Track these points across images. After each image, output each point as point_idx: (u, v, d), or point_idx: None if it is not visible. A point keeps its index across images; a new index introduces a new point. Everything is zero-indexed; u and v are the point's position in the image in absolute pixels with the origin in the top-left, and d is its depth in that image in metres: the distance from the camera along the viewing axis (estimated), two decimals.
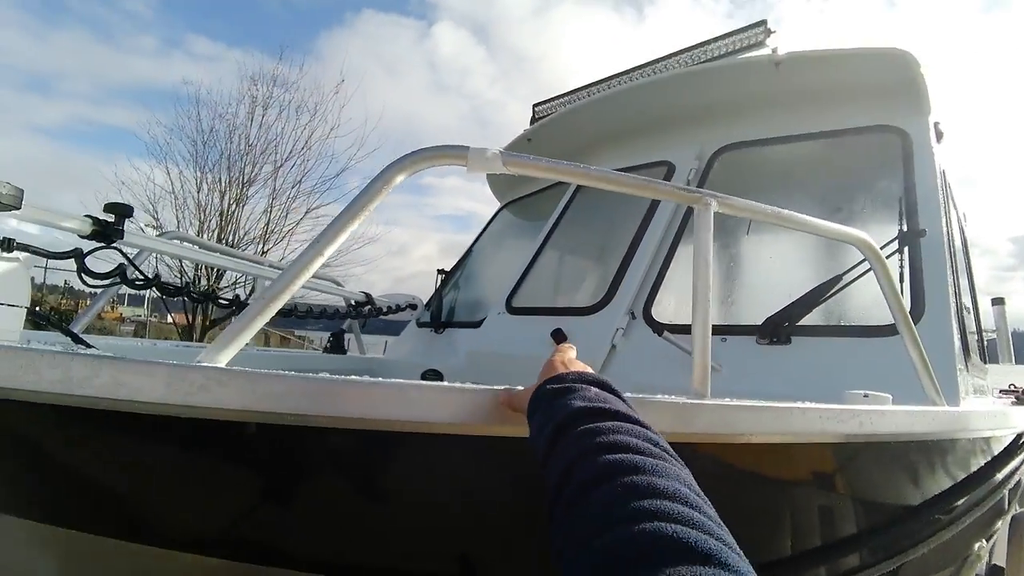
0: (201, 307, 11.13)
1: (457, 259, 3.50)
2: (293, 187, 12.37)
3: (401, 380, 0.85)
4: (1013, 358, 3.52)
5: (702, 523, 0.44)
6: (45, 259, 1.29)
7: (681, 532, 0.42)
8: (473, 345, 2.54)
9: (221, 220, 11.79)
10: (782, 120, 2.43)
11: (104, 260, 1.44)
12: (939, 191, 2.07)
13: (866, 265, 1.81)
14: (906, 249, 1.93)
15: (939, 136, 2.27)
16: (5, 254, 0.97)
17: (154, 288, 1.44)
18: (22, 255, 1.03)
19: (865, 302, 1.90)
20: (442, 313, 3.03)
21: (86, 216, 1.39)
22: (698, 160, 2.56)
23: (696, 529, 0.43)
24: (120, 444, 0.85)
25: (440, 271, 3.36)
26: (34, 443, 0.84)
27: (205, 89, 12.48)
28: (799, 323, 1.90)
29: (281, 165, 12.24)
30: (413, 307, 3.15)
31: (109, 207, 1.40)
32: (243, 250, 11.66)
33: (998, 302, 3.45)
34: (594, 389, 0.71)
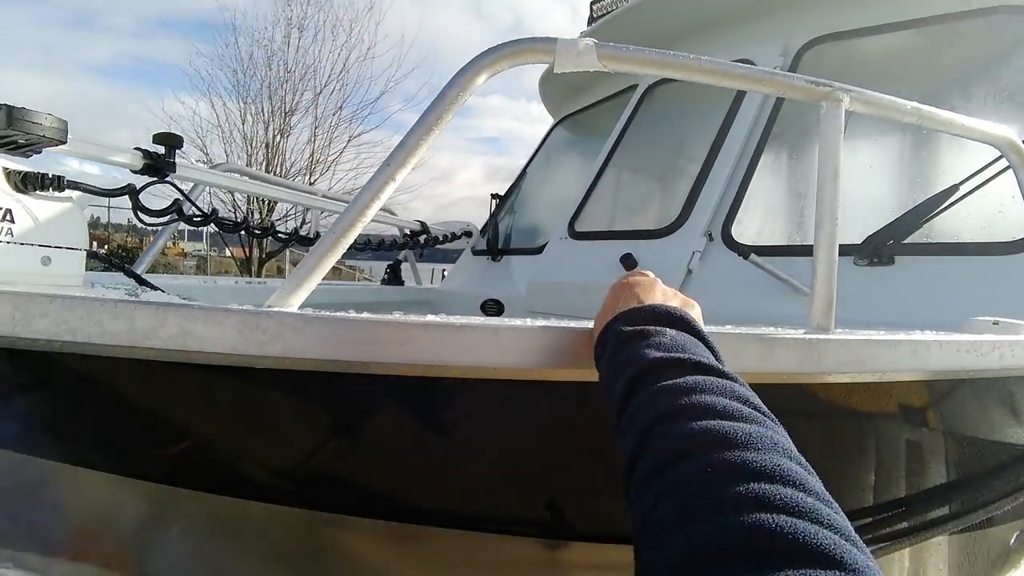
0: (258, 241, 11.41)
1: (505, 182, 3.34)
2: (334, 114, 12.25)
3: (486, 319, 0.75)
4: None
5: (811, 509, 0.35)
6: (104, 198, 1.23)
7: (785, 524, 0.34)
8: (534, 273, 2.43)
9: (267, 152, 11.86)
10: (880, 6, 2.09)
11: (158, 196, 1.37)
12: None
13: (989, 173, 1.58)
14: None
15: None
16: (57, 194, 0.89)
17: (213, 224, 1.38)
18: (75, 194, 0.96)
19: (983, 217, 1.67)
20: (499, 240, 2.92)
21: (136, 148, 1.31)
22: (783, 57, 2.25)
23: (804, 518, 0.34)
24: (191, 394, 0.79)
25: (494, 195, 3.21)
26: (105, 395, 0.80)
27: (241, 14, 12.14)
28: (905, 241, 1.69)
29: (321, 91, 12.07)
30: (468, 234, 3.04)
31: (158, 138, 1.32)
32: (292, 181, 11.74)
33: None
34: (671, 332, 0.59)
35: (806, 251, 1.86)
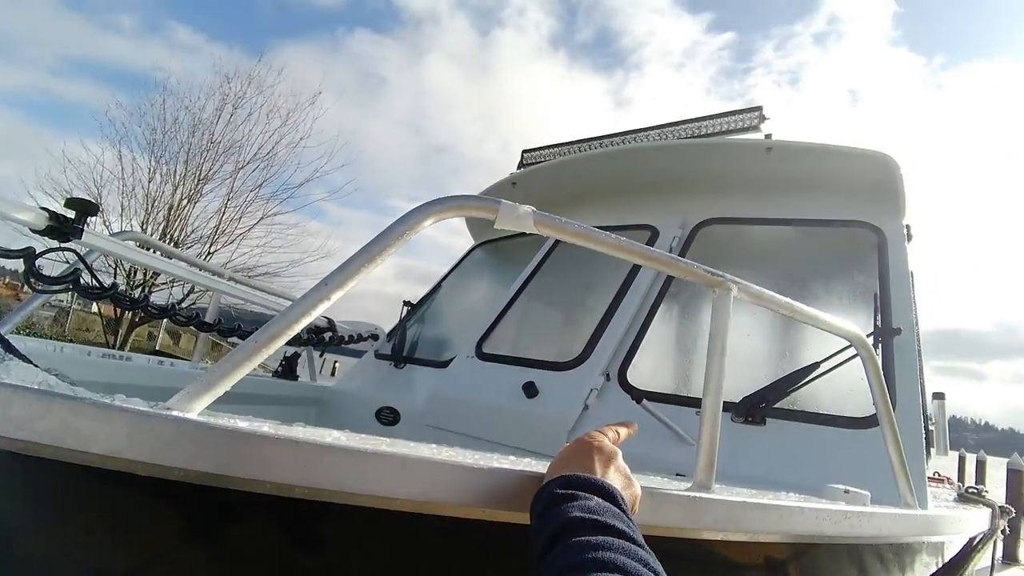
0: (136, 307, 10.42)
1: (414, 284, 3.40)
2: (252, 190, 11.97)
3: (409, 453, 0.75)
4: (948, 450, 3.66)
5: None
6: None
7: None
8: (438, 387, 2.42)
9: (169, 214, 11.21)
10: (766, 203, 2.50)
11: (52, 258, 1.27)
12: (910, 290, 2.15)
13: (843, 356, 1.85)
14: (879, 344, 1.97)
15: (909, 237, 2.38)
16: None
17: (110, 298, 1.28)
18: None
19: (838, 392, 1.93)
20: (404, 347, 2.90)
21: (42, 208, 1.21)
22: (681, 229, 2.58)
23: None
24: (65, 498, 0.71)
25: (406, 303, 3.23)
26: None
27: (176, 78, 11.97)
28: (775, 405, 1.89)
29: (243, 166, 11.86)
30: (375, 337, 3.00)
31: (71, 203, 1.22)
32: (187, 247, 11.10)
33: (938, 396, 3.61)
34: (596, 499, 0.69)
35: (692, 403, 2.03)
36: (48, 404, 0.64)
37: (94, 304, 13.18)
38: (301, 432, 0.72)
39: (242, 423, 0.72)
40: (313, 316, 0.79)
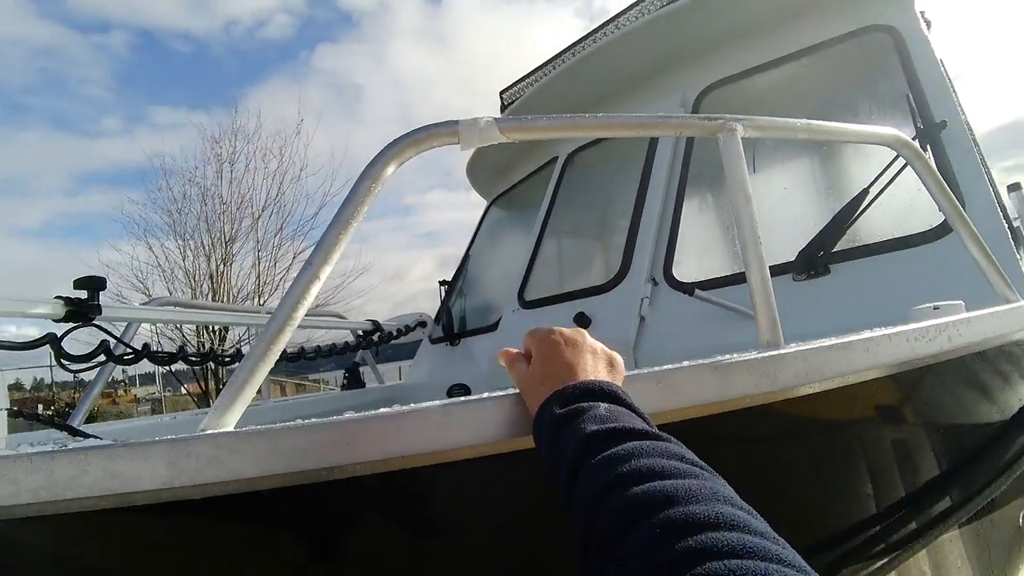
0: (212, 372, 10.98)
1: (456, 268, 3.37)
2: (275, 235, 12.28)
3: (433, 403, 0.73)
4: None
5: (759, 548, 0.38)
6: (27, 351, 1.16)
7: (737, 568, 0.37)
8: (493, 349, 2.41)
9: (212, 282, 11.68)
10: (763, 47, 2.30)
11: (85, 343, 1.31)
12: (946, 80, 1.95)
13: (891, 172, 1.70)
14: (928, 146, 1.80)
15: (928, 25, 2.15)
16: None
17: (146, 358, 1.31)
18: None
19: (898, 212, 1.78)
20: (454, 324, 2.90)
21: (56, 297, 1.25)
22: (683, 108, 2.43)
23: (754, 558, 0.38)
24: (133, 545, 0.72)
25: (442, 282, 3.22)
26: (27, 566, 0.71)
27: (170, 158, 12.32)
28: (835, 249, 1.77)
29: (259, 216, 12.14)
30: (423, 324, 3.01)
31: (79, 283, 1.26)
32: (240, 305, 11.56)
33: (1015, 188, 3.32)
34: (603, 406, 0.62)
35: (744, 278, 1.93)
36: (85, 458, 0.63)
37: (183, 387, 13.96)
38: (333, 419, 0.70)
39: (281, 424, 0.71)
40: (309, 299, 0.76)
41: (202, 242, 11.75)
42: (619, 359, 0.75)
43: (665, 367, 0.92)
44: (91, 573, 0.72)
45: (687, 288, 1.90)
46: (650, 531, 0.43)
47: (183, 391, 15.20)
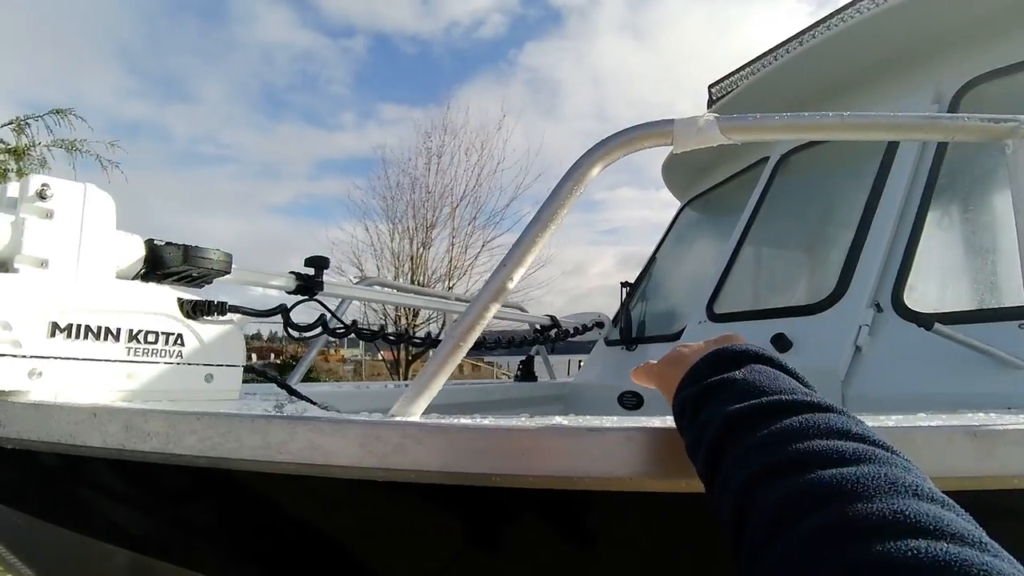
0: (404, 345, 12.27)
1: (638, 270, 3.25)
2: (469, 224, 13.25)
3: (611, 421, 0.67)
4: None
5: (955, 560, 0.28)
6: (264, 318, 1.36)
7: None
8: None
9: (412, 264, 13.00)
10: None
11: (307, 311, 1.50)
12: None
13: None
14: None
15: None
16: (220, 318, 0.99)
17: (354, 334, 1.47)
18: (235, 316, 1.06)
19: None
20: (632, 328, 2.80)
21: (290, 272, 1.48)
22: (936, 105, 2.01)
23: (944, 572, 0.28)
24: (328, 510, 0.78)
25: (624, 283, 3.13)
26: (243, 509, 0.81)
27: (390, 150, 14.05)
28: None
29: (457, 205, 13.20)
30: (600, 325, 2.96)
31: (309, 261, 1.48)
32: (432, 287, 12.74)
33: None
34: (740, 374, 0.52)
35: (1010, 314, 1.53)
36: (294, 427, 0.70)
37: (379, 353, 15.86)
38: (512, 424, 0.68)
39: (465, 420, 0.71)
40: (500, 300, 0.75)
41: (408, 226, 13.18)
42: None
43: (896, 418, 0.75)
44: (292, 529, 0.80)
45: (924, 320, 1.57)
46: (797, 541, 0.34)
47: (379, 357, 17.21)
